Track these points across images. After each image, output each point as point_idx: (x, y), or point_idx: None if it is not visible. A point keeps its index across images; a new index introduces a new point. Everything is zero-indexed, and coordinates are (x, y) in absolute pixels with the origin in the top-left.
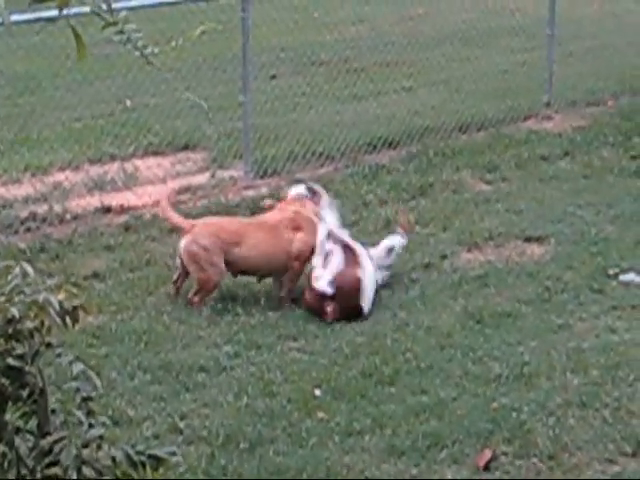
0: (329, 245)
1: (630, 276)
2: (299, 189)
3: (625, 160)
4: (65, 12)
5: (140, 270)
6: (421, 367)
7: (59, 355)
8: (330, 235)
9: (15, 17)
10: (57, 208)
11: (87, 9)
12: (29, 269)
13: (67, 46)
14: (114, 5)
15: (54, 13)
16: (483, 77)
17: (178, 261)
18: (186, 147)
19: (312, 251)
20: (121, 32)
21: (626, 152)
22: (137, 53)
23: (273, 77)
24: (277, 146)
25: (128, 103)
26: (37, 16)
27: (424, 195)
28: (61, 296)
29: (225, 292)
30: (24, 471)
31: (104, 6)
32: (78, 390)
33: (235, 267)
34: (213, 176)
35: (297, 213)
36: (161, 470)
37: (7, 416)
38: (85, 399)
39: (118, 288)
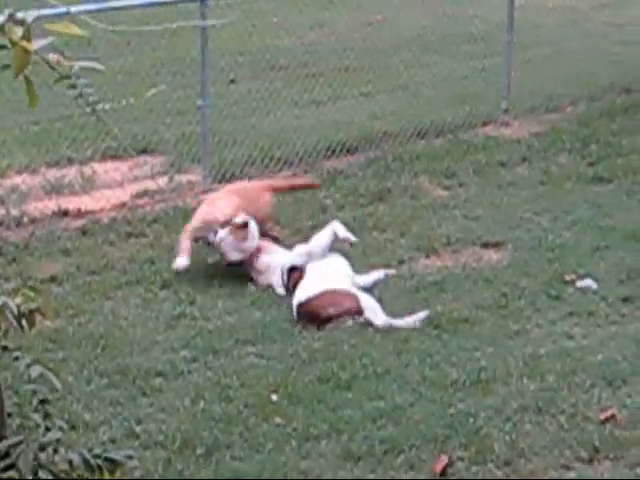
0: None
1: (587, 282)
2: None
3: (582, 167)
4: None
5: (97, 274)
6: (378, 372)
7: (16, 358)
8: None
9: None
10: (14, 212)
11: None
12: None
13: None
14: (72, 9)
15: None
16: (442, 83)
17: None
18: (144, 151)
19: None
20: (73, 87)
21: (583, 159)
22: (88, 109)
23: (232, 81)
24: (235, 151)
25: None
26: None
27: (382, 200)
28: (18, 300)
29: (183, 297)
30: None
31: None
32: (35, 393)
33: None
34: (171, 180)
35: None
36: (118, 473)
37: None
38: (42, 401)
39: (75, 292)
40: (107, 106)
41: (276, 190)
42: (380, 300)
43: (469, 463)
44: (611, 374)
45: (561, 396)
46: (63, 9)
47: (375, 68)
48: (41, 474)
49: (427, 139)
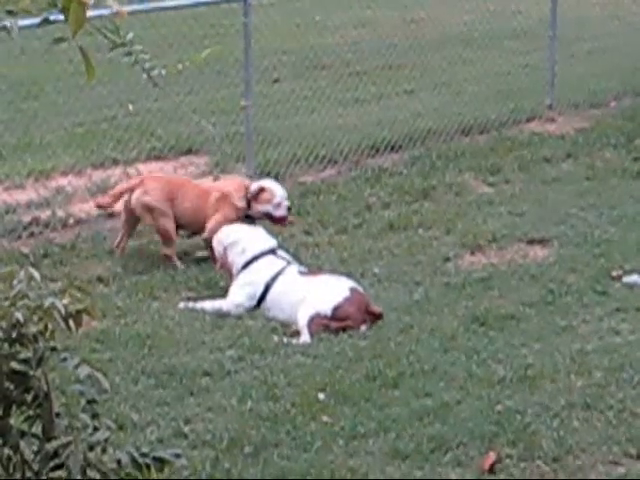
0: None
1: (633, 278)
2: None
3: (628, 162)
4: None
5: (143, 274)
6: (425, 370)
7: (64, 359)
8: None
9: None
10: (60, 213)
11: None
12: (35, 273)
13: (69, 50)
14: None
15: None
16: (485, 79)
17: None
18: (189, 151)
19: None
20: (129, 54)
21: (629, 154)
22: (144, 75)
23: (275, 81)
24: (280, 150)
25: (131, 107)
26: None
27: (427, 198)
28: (65, 300)
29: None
30: (29, 474)
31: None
32: (82, 393)
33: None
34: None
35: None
36: (166, 472)
37: (12, 420)
38: (90, 401)
39: (121, 293)
40: (163, 71)
41: None
42: (426, 297)
43: (517, 460)
44: None
45: (609, 392)
46: (105, 10)
47: (418, 66)
48: (90, 473)
49: (471, 136)
